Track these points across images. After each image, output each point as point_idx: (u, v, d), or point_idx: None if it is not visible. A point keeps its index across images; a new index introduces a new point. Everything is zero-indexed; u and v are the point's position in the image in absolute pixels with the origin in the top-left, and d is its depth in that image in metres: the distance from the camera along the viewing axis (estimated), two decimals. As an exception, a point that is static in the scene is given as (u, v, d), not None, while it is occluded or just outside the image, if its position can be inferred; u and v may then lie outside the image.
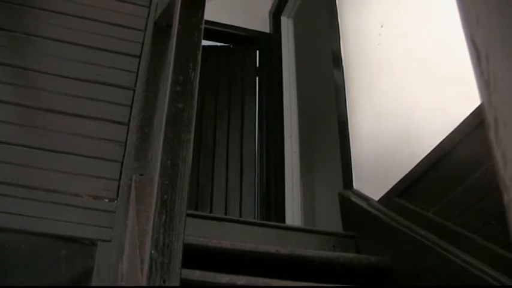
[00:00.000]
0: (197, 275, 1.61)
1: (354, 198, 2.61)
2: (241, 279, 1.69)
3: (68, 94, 2.26)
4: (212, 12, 3.85)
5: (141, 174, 2.14)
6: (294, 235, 2.43)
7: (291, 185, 3.87)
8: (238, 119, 4.63)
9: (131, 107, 2.30)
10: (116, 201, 2.12)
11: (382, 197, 2.41)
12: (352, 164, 2.81)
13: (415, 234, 2.02)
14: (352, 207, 2.60)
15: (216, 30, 4.76)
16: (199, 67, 1.55)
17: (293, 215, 3.69)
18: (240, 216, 4.05)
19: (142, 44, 2.46)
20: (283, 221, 3.65)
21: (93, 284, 1.97)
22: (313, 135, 3.75)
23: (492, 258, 1.68)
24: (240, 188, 4.41)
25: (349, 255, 2.21)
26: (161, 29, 2.45)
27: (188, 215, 1.44)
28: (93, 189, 2.12)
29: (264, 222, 2.44)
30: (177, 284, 1.26)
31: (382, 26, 2.72)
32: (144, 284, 1.26)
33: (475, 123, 1.79)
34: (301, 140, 3.97)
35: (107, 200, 2.12)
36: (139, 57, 2.42)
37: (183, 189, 1.37)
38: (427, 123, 2.21)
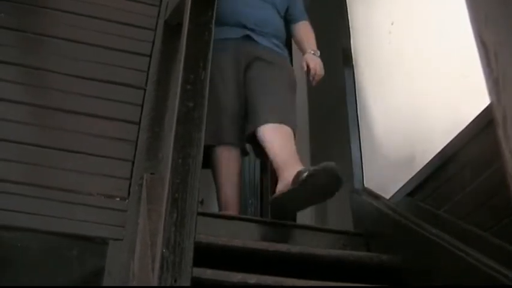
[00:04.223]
0: (208, 273, 1.62)
1: (364, 197, 2.61)
2: (252, 278, 1.69)
3: (79, 93, 2.27)
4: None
5: (152, 173, 2.15)
6: (304, 234, 2.43)
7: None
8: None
9: (142, 106, 2.31)
10: (127, 200, 2.13)
11: (393, 195, 2.40)
12: (363, 162, 2.80)
13: (426, 232, 2.01)
14: (362, 205, 2.59)
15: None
16: (209, 66, 1.55)
17: (304, 213, 3.69)
18: (261, 215, 4.06)
19: (153, 43, 2.47)
20: (294, 219, 3.65)
21: (105, 282, 1.97)
22: (324, 134, 3.74)
23: (503, 256, 1.67)
24: (253, 187, 4.42)
25: (360, 253, 2.21)
26: (171, 28, 2.45)
27: (199, 214, 1.44)
28: (105, 188, 2.13)
29: (274, 221, 2.43)
30: (188, 283, 1.26)
31: (392, 24, 2.71)
32: (155, 282, 1.26)
33: (486, 121, 1.78)
34: (311, 138, 3.96)
35: (118, 199, 2.12)
36: (150, 56, 2.43)
37: (194, 187, 1.38)
38: (438, 122, 2.20)
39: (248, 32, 2.93)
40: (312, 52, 2.98)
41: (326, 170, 2.29)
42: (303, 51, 3.05)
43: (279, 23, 3.09)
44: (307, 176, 2.29)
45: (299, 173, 2.34)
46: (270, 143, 2.60)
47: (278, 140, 2.61)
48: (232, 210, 2.62)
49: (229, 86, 2.81)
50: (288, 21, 3.19)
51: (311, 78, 2.92)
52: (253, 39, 2.93)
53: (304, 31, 3.16)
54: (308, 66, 2.91)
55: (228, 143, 2.74)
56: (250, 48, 2.90)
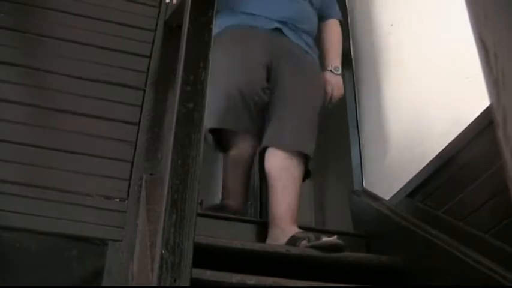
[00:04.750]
0: (208, 274, 1.61)
1: (364, 198, 2.61)
2: (251, 279, 1.69)
3: (78, 94, 2.27)
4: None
5: (151, 174, 2.15)
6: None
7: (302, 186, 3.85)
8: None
9: (141, 107, 2.31)
10: (126, 201, 2.12)
11: (393, 196, 2.40)
12: (363, 163, 2.80)
13: (426, 233, 2.01)
14: (362, 206, 2.59)
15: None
16: (209, 66, 1.55)
17: (303, 214, 3.69)
18: (261, 216, 4.05)
19: (153, 44, 2.47)
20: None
21: (104, 283, 1.97)
22: (323, 134, 3.74)
23: (504, 257, 1.67)
24: (252, 188, 4.41)
25: (360, 255, 2.20)
26: (171, 29, 2.46)
27: (198, 215, 1.44)
28: (104, 189, 2.13)
29: (274, 222, 2.43)
30: (188, 283, 1.26)
31: (392, 25, 2.71)
32: (154, 283, 1.26)
33: (486, 122, 1.78)
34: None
35: (117, 200, 2.12)
36: (150, 57, 2.43)
37: (193, 189, 1.38)
38: (438, 122, 2.20)
39: (279, 25, 2.66)
40: (332, 69, 2.77)
41: (324, 247, 2.04)
42: (325, 62, 2.82)
43: (314, 19, 2.83)
44: (309, 247, 2.06)
45: (294, 239, 2.12)
46: (274, 181, 2.39)
47: (283, 181, 2.37)
48: (235, 201, 2.48)
49: (259, 72, 2.52)
50: (318, 17, 2.89)
51: (327, 100, 2.73)
52: (283, 34, 2.66)
53: (332, 35, 2.91)
54: (332, 89, 2.72)
55: (249, 132, 2.52)
56: (280, 42, 2.64)
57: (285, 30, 2.66)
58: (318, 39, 2.88)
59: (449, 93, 2.15)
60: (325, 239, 2.07)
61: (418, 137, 2.32)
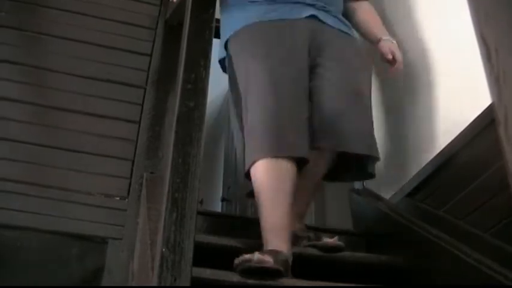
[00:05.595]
0: (208, 273, 1.61)
1: (364, 197, 2.61)
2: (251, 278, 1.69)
3: (79, 93, 2.27)
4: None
5: (152, 173, 2.15)
6: (304, 234, 2.42)
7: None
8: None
9: (142, 105, 2.31)
10: (127, 200, 2.13)
11: (393, 195, 2.40)
12: (363, 162, 2.80)
13: (426, 233, 2.01)
14: (362, 205, 2.59)
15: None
16: (210, 65, 1.55)
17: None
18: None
19: (153, 42, 2.47)
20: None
21: (104, 281, 1.97)
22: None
23: (504, 256, 1.67)
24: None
25: (360, 254, 2.20)
26: (172, 28, 2.46)
27: (198, 213, 1.44)
28: (105, 187, 2.13)
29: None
30: (188, 282, 1.26)
31: (393, 25, 2.71)
32: (155, 282, 1.26)
33: (487, 120, 1.78)
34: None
35: (118, 198, 2.12)
36: (150, 55, 2.43)
37: (194, 187, 1.38)
38: (438, 121, 2.19)
39: (313, 12, 2.25)
40: (389, 38, 2.36)
41: (325, 249, 2.02)
42: (373, 37, 2.40)
43: None
44: (308, 246, 2.07)
45: (295, 237, 2.01)
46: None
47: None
48: (282, 240, 1.86)
49: (293, 77, 2.08)
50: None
51: (393, 70, 2.32)
52: (319, 20, 2.26)
53: (370, 13, 2.52)
54: (393, 56, 2.29)
55: (289, 155, 1.97)
56: (317, 30, 2.23)
57: (321, 15, 2.27)
58: (353, 21, 2.49)
59: (451, 91, 2.15)
60: (325, 240, 2.03)
61: (419, 135, 2.32)
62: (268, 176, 1.92)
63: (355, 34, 2.45)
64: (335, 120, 2.08)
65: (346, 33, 2.33)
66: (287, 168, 1.94)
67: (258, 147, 1.96)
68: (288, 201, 1.91)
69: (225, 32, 2.24)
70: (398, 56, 2.30)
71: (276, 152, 1.93)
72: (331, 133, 2.07)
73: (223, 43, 2.24)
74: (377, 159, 2.18)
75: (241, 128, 2.07)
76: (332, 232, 2.47)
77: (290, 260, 1.80)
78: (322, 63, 2.18)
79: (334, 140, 2.07)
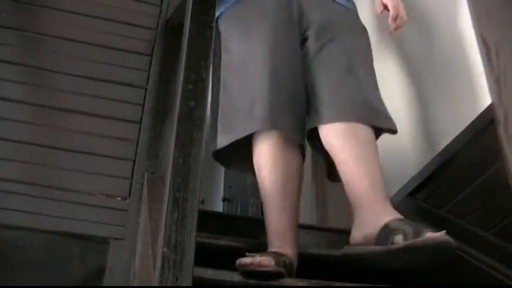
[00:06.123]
0: (209, 273, 1.61)
1: (365, 196, 2.60)
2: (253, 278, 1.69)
3: (80, 93, 2.27)
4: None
5: (153, 173, 2.15)
6: (305, 233, 2.42)
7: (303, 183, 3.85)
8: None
9: (143, 105, 2.31)
10: (128, 200, 2.13)
11: (394, 195, 2.40)
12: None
13: (427, 232, 2.01)
14: (364, 205, 2.58)
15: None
16: (211, 65, 1.55)
17: (304, 212, 3.69)
18: (262, 214, 4.04)
19: (154, 42, 2.47)
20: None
21: (106, 281, 1.97)
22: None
23: (505, 256, 1.67)
24: (255, 185, 4.41)
25: (359, 253, 2.20)
26: (173, 28, 2.45)
27: (200, 213, 1.44)
28: (106, 187, 2.13)
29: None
30: (190, 282, 1.26)
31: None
32: (156, 282, 1.26)
33: (487, 120, 1.78)
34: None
35: (119, 199, 2.12)
36: (151, 55, 2.43)
37: (195, 187, 1.38)
38: (439, 121, 2.20)
39: None
40: None
41: (428, 247, 1.51)
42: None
43: None
44: (404, 247, 1.53)
45: (388, 231, 1.60)
46: (340, 154, 1.85)
47: (353, 151, 1.83)
48: (285, 241, 1.80)
49: (284, 52, 1.99)
50: None
51: (391, 22, 2.18)
52: None
53: None
54: (386, 7, 2.17)
55: (285, 129, 1.87)
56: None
57: None
58: None
59: (451, 91, 2.15)
60: (428, 234, 1.51)
61: (419, 135, 2.32)
62: (275, 171, 1.86)
63: (353, 5, 2.32)
64: (332, 91, 1.95)
65: (343, 4, 2.23)
66: (294, 163, 1.90)
67: (257, 116, 1.87)
68: (295, 203, 1.86)
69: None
70: (396, 5, 2.17)
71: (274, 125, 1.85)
72: (333, 104, 1.92)
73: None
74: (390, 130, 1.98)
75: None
76: (333, 231, 2.47)
77: (295, 263, 1.75)
78: (312, 35, 2.07)
79: (336, 112, 1.90)
